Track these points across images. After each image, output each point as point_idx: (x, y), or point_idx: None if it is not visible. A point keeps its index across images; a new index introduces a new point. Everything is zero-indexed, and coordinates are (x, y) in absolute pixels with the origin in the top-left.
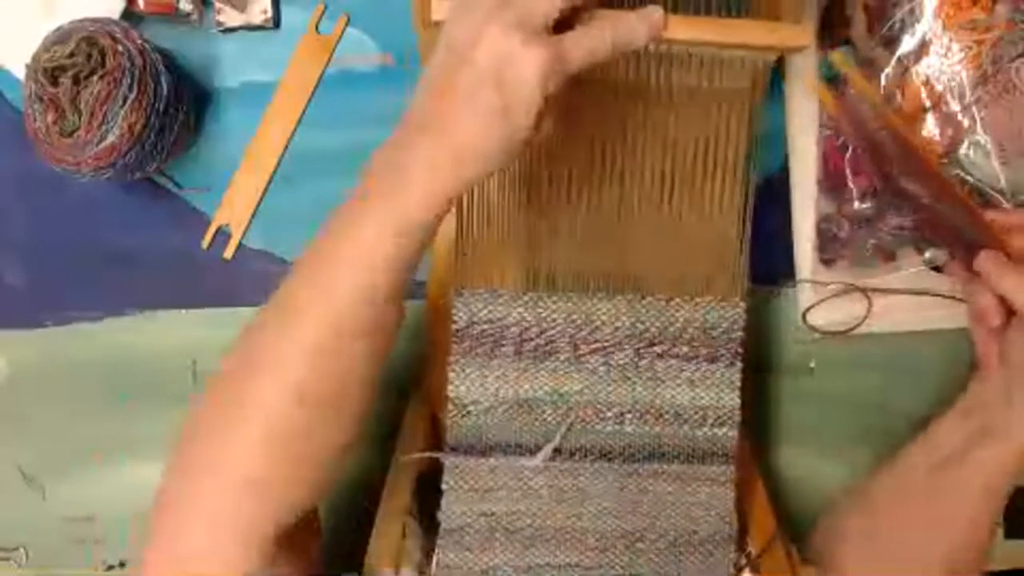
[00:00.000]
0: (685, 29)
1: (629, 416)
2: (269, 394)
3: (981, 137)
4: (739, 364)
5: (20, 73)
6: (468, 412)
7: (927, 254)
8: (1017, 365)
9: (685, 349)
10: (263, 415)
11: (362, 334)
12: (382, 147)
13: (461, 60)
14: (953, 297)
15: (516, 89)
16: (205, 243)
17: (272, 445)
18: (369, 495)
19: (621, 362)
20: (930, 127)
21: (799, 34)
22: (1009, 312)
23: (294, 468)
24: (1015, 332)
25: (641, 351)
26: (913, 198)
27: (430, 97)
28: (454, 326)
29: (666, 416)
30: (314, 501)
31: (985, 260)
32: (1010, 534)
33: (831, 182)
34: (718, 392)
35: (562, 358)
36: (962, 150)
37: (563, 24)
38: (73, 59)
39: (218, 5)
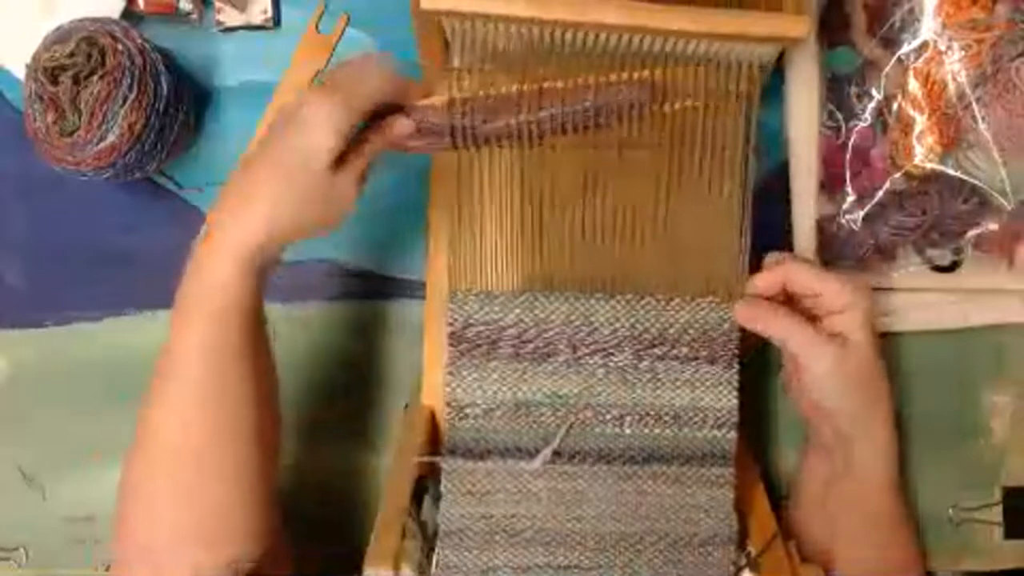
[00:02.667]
0: (683, 20)
1: (628, 418)
2: (166, 425)
3: (982, 136)
4: (736, 365)
5: (20, 73)
6: (465, 415)
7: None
8: (815, 401)
9: (685, 351)
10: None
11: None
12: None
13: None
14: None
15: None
16: None
17: (188, 493)
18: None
19: (620, 364)
20: (930, 127)
21: (797, 24)
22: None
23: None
24: (801, 377)
25: (640, 353)
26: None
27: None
28: (449, 328)
29: (665, 418)
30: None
31: (746, 308)
32: (1010, 534)
33: (831, 182)
34: (718, 393)
35: (560, 360)
36: (962, 150)
37: None
38: (73, 59)
39: (218, 5)
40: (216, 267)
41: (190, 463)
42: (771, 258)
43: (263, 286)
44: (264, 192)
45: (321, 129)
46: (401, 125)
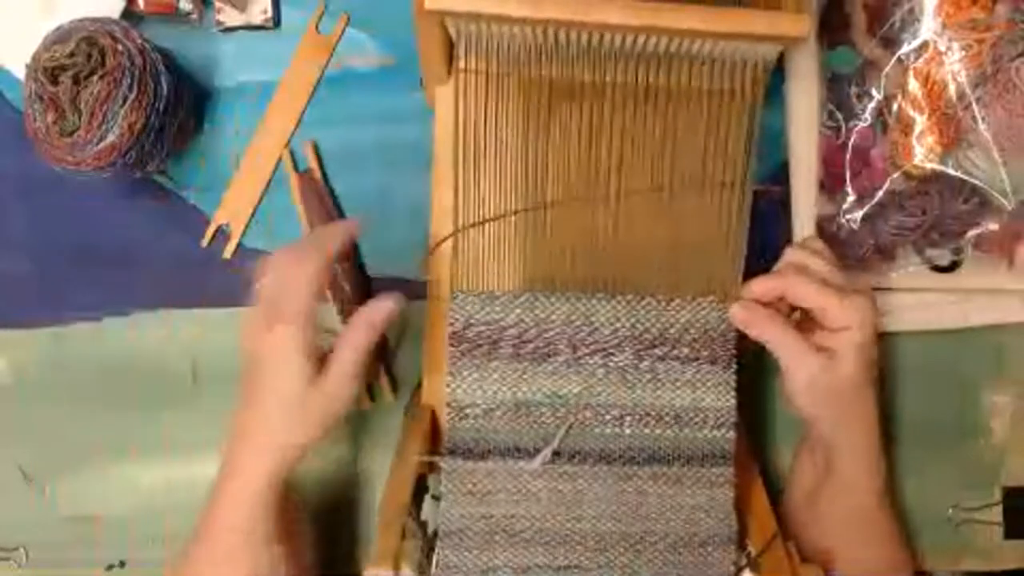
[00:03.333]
0: (684, 19)
1: (628, 418)
2: None
3: (982, 136)
4: (735, 365)
5: (20, 73)
6: (466, 415)
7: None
8: (796, 407)
9: (685, 351)
10: None
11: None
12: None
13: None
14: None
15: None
16: (205, 243)
17: None
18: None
19: (620, 364)
20: (930, 127)
21: (798, 23)
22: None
23: None
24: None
25: (641, 353)
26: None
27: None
28: (450, 328)
29: (666, 418)
30: None
31: (741, 311)
32: (1010, 534)
33: (831, 182)
34: (718, 393)
35: (561, 360)
36: (962, 149)
37: None
38: (73, 59)
39: (218, 5)
40: (238, 510)
41: None
42: (792, 249)
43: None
44: (261, 439)
45: (282, 363)
46: (380, 311)
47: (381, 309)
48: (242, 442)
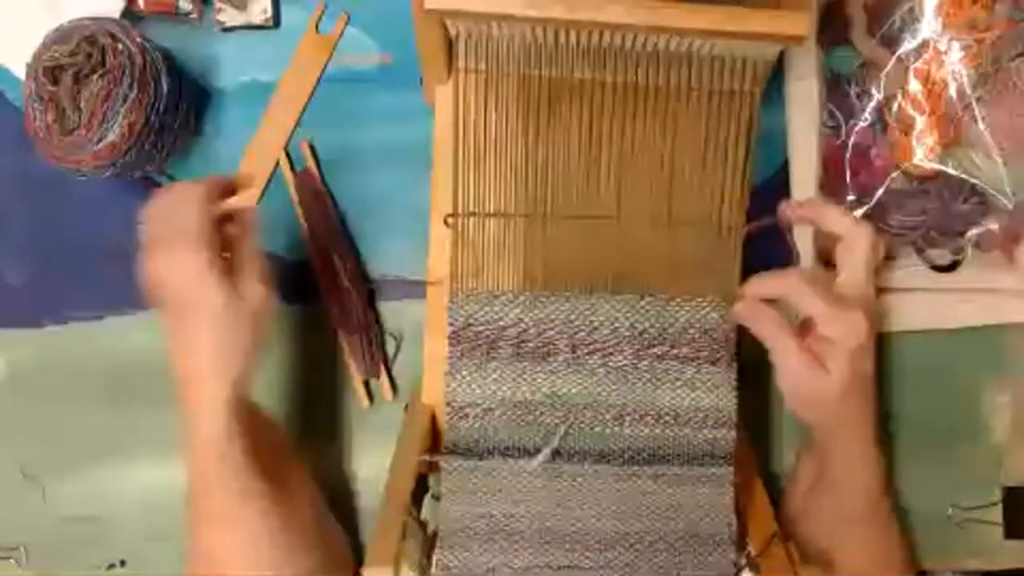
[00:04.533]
0: (683, 18)
1: (628, 418)
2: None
3: (982, 136)
4: (736, 365)
5: (21, 72)
6: (465, 415)
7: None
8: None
9: (685, 351)
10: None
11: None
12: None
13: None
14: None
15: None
16: None
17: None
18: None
19: (620, 364)
20: (930, 127)
21: (799, 23)
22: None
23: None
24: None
25: (640, 352)
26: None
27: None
28: (450, 328)
29: (665, 418)
30: None
31: (742, 307)
32: (1010, 534)
33: (831, 182)
34: (718, 394)
35: (560, 359)
36: (962, 149)
37: None
38: (73, 58)
39: (218, 4)
40: (210, 424)
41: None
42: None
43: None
44: (207, 371)
45: (198, 288)
46: (248, 202)
47: (248, 209)
48: (193, 386)
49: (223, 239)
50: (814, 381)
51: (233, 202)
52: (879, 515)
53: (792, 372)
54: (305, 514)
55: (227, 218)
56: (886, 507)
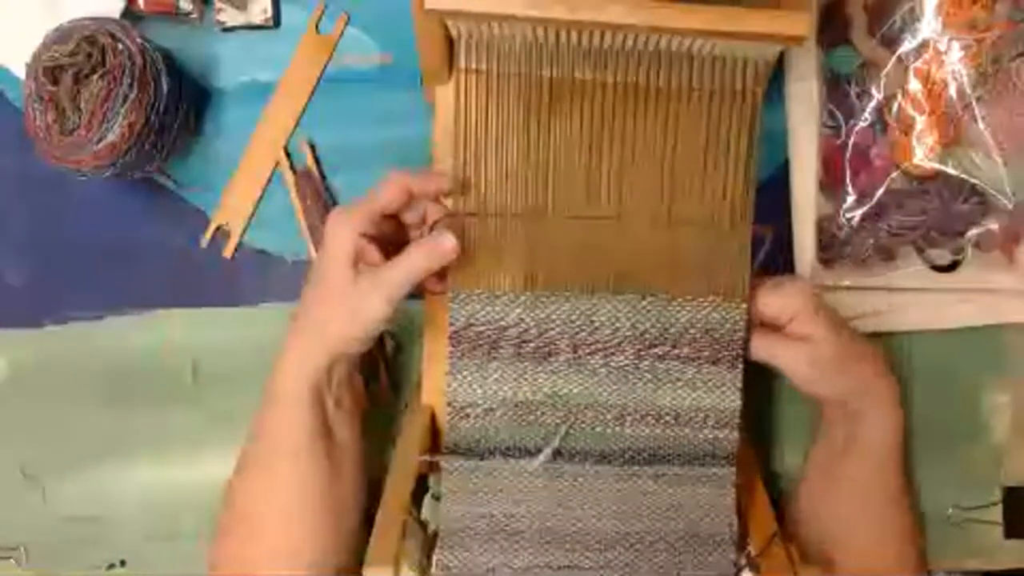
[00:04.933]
0: (684, 18)
1: (629, 418)
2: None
3: (981, 136)
4: (741, 365)
5: (21, 72)
6: (466, 415)
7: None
8: (822, 399)
9: (687, 351)
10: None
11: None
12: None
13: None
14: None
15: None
16: (205, 242)
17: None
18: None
19: (621, 364)
20: (930, 127)
21: (798, 23)
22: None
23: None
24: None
25: (642, 352)
26: None
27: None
28: (451, 328)
29: (666, 418)
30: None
31: (759, 344)
32: (1010, 534)
33: (831, 182)
34: (720, 394)
35: (561, 360)
36: (962, 149)
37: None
38: (73, 58)
39: (218, 4)
40: (287, 381)
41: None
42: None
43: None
44: (303, 321)
45: (330, 236)
46: (449, 241)
47: (445, 241)
48: (292, 331)
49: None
50: (818, 352)
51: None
52: (901, 484)
53: (798, 360)
54: (347, 507)
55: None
56: (908, 490)
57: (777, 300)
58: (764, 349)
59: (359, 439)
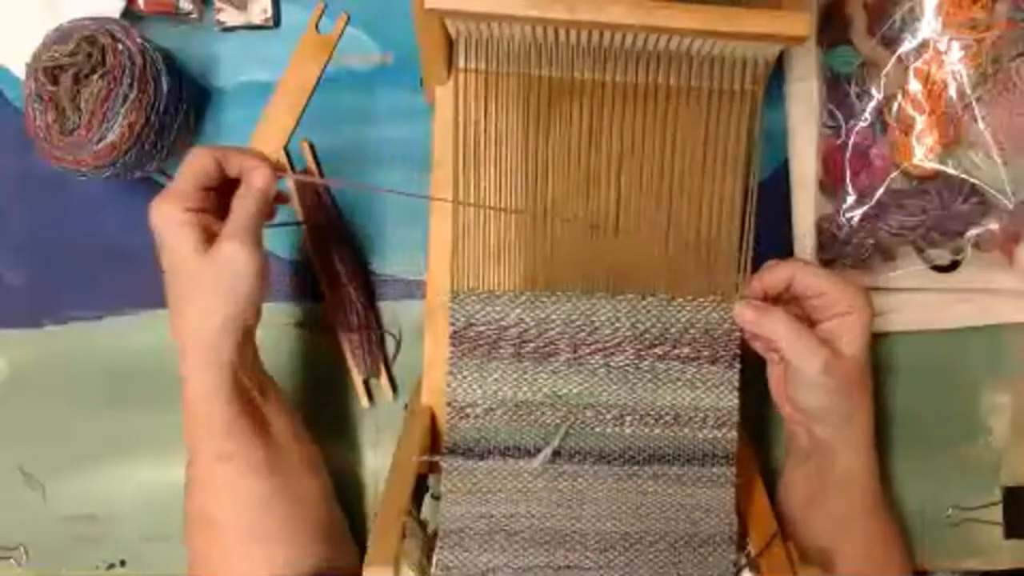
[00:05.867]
0: (683, 18)
1: (629, 418)
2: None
3: (981, 136)
4: (739, 365)
5: (20, 72)
6: (466, 415)
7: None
8: (799, 404)
9: (686, 351)
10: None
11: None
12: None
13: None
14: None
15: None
16: None
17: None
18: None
19: (621, 364)
20: (930, 127)
21: (799, 24)
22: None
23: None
24: (790, 379)
25: (642, 352)
26: None
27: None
28: (451, 328)
29: (666, 418)
30: None
31: (744, 308)
32: (1010, 534)
33: (831, 182)
34: (719, 394)
35: (561, 360)
36: (962, 149)
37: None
38: (73, 58)
39: (218, 4)
40: (194, 384)
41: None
42: (770, 264)
43: (241, 362)
44: (176, 310)
45: (157, 227)
46: (259, 176)
47: (262, 174)
48: (180, 344)
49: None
50: (838, 363)
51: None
52: (880, 507)
53: (819, 360)
54: (311, 498)
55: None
56: (885, 499)
57: (843, 286)
58: (785, 332)
59: (300, 427)
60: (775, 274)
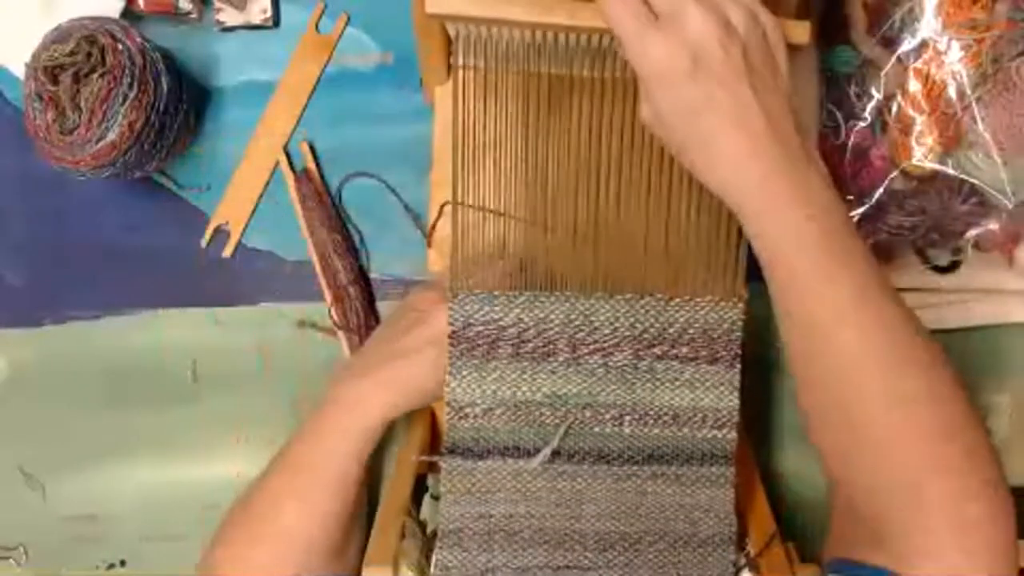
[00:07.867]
0: None
1: (628, 418)
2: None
3: (981, 136)
4: (739, 365)
5: (20, 72)
6: (465, 415)
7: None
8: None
9: (685, 350)
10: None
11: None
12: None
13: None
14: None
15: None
16: (204, 242)
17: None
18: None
19: (620, 363)
20: (930, 127)
21: (799, 31)
22: None
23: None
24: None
25: (640, 352)
26: None
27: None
28: (450, 328)
29: (665, 418)
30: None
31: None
32: None
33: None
34: (718, 393)
35: (560, 359)
36: (962, 149)
37: None
38: (73, 57)
39: (218, 4)
40: (336, 444)
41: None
42: None
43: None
44: (386, 373)
45: (441, 319)
46: None
47: None
48: (361, 378)
49: None
50: (667, 48)
51: None
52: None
53: (654, 49)
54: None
55: None
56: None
57: None
58: (616, 17)
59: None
60: None
